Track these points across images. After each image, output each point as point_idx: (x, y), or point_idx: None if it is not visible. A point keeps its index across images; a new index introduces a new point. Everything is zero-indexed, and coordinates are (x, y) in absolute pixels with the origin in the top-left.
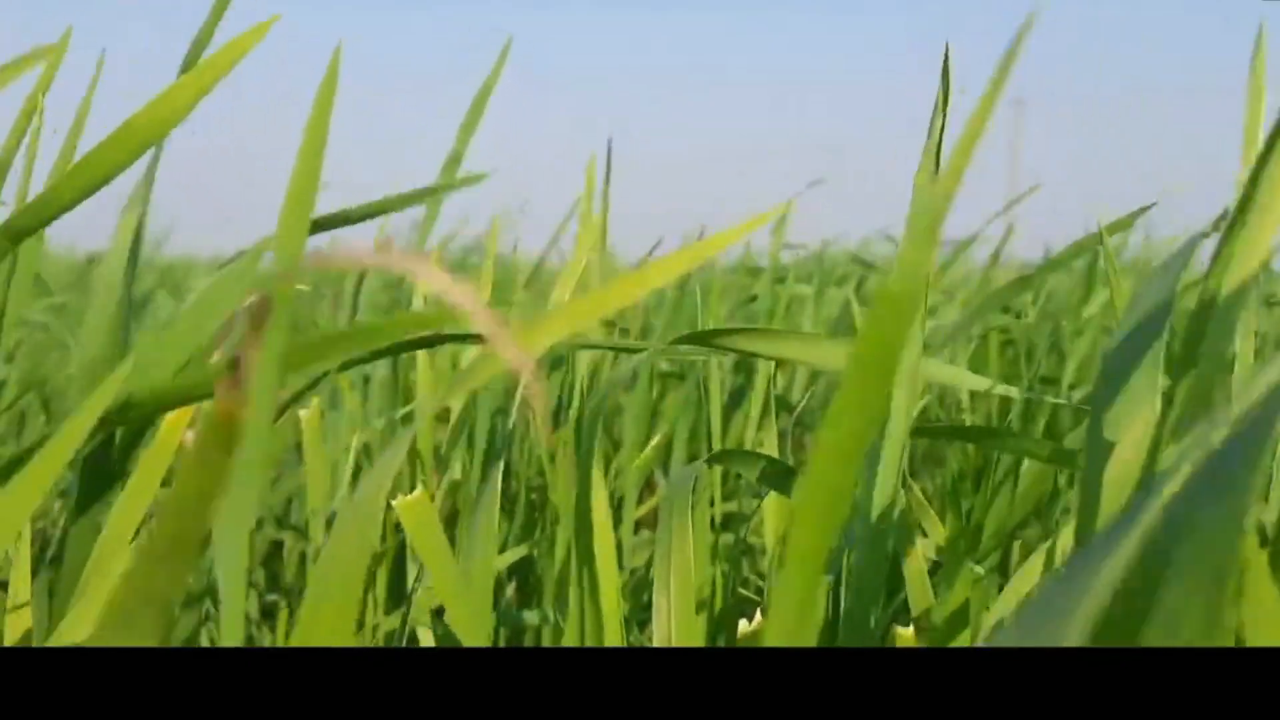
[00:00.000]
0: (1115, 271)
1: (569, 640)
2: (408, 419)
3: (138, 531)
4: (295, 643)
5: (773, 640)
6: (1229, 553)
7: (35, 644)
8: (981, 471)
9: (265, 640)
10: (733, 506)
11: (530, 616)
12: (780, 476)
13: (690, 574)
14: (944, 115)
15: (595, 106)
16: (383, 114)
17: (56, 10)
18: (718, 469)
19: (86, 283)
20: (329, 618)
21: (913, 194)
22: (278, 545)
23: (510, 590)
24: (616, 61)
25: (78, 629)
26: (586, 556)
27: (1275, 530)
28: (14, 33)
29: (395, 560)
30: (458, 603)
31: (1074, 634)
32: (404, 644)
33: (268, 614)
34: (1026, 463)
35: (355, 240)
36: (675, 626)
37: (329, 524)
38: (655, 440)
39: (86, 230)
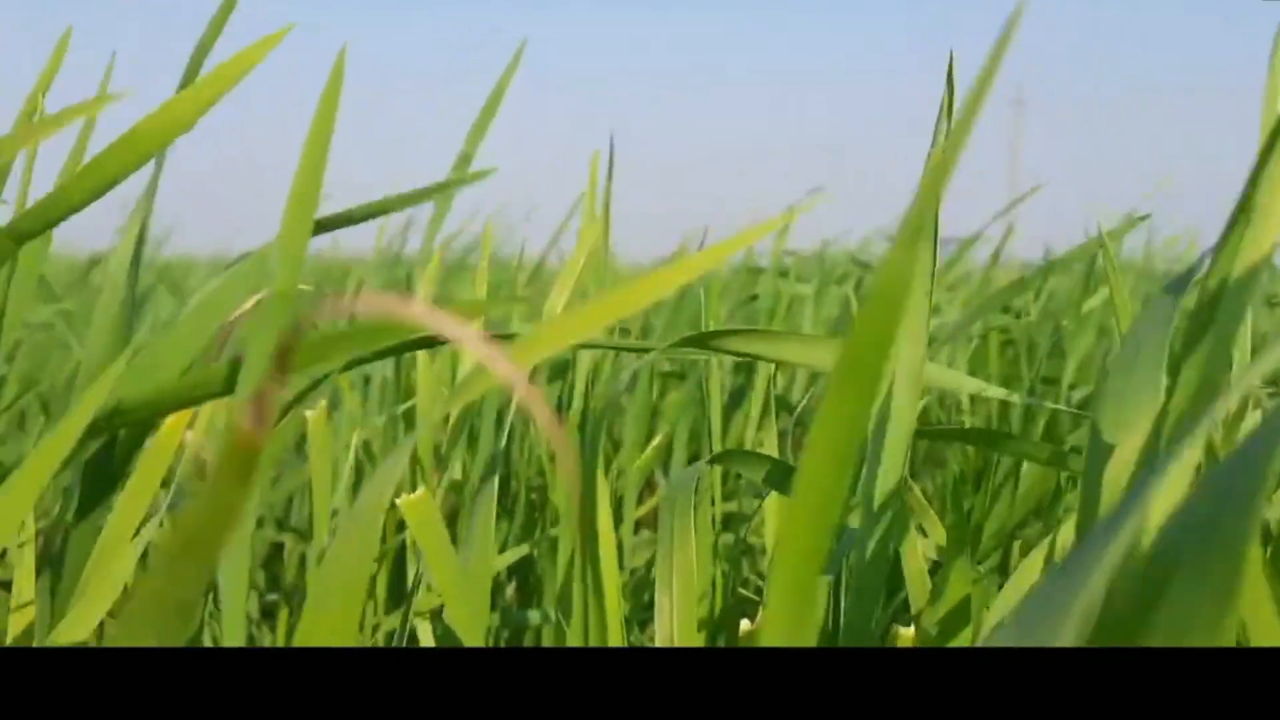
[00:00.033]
0: (1115, 271)
1: (570, 640)
2: (410, 417)
3: (137, 532)
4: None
5: (770, 641)
6: (1237, 558)
7: (36, 643)
8: (981, 472)
9: (265, 640)
10: (733, 506)
11: (530, 616)
12: (782, 477)
13: (693, 575)
14: (949, 122)
15: (595, 106)
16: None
17: (57, 10)
18: (718, 469)
19: (88, 284)
20: (330, 624)
21: (917, 195)
22: (278, 546)
23: (510, 590)
24: (616, 61)
25: (78, 629)
26: (589, 557)
27: (1278, 529)
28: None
29: (395, 560)
30: (457, 600)
31: (1070, 628)
32: (404, 644)
33: (268, 614)
34: (1027, 464)
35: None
36: (677, 627)
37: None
38: (656, 441)
39: (88, 231)
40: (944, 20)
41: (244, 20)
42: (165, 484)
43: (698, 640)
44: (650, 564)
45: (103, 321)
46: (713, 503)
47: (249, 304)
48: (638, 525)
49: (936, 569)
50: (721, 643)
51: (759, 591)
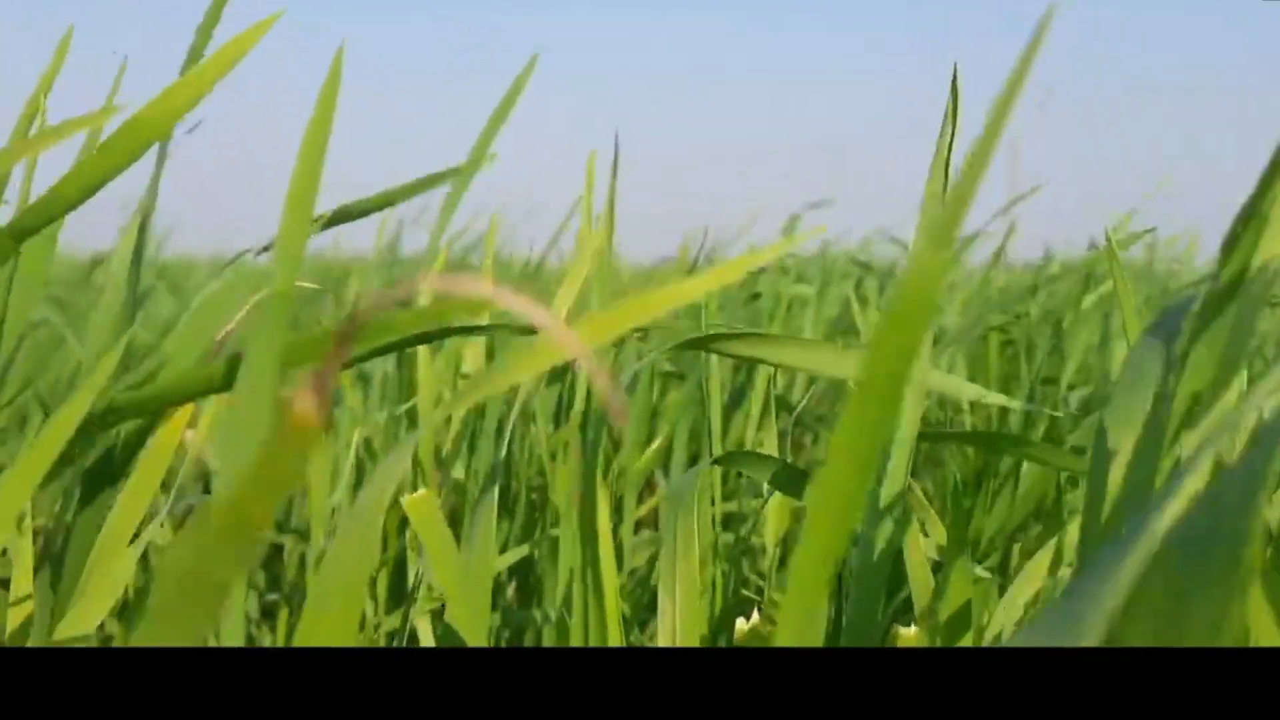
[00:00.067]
0: (1124, 283)
1: (570, 640)
2: (411, 415)
3: (137, 533)
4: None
5: (784, 640)
6: (1238, 560)
7: (36, 642)
8: (981, 473)
9: (265, 640)
10: (733, 506)
11: (530, 616)
12: (784, 477)
13: (695, 577)
14: (953, 128)
15: (595, 106)
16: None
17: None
18: (718, 469)
19: (91, 284)
20: (330, 626)
21: (924, 201)
22: (278, 546)
23: (510, 590)
24: (616, 61)
25: (78, 628)
26: (589, 557)
27: (1279, 529)
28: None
29: (396, 560)
30: (460, 599)
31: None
32: (404, 644)
33: (268, 614)
34: (1026, 465)
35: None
36: (680, 629)
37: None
38: (656, 443)
39: (90, 232)
40: (944, 20)
41: (243, 20)
42: (165, 485)
43: (700, 641)
44: (650, 564)
45: (103, 320)
46: (713, 503)
47: (249, 305)
48: (637, 525)
49: (937, 568)
50: (722, 642)
51: (759, 591)
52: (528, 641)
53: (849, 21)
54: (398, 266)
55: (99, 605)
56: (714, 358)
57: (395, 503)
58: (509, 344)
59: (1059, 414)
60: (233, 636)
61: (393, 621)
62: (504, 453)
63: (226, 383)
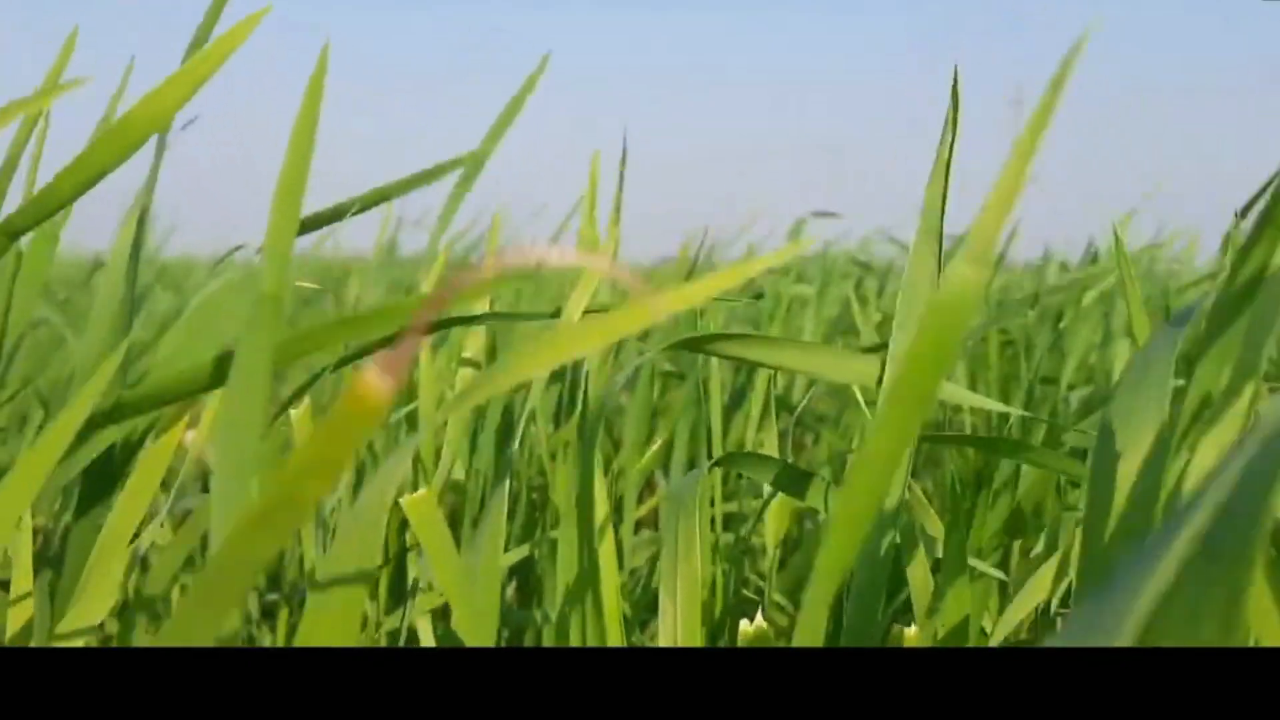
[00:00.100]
0: (1133, 281)
1: (570, 640)
2: (411, 418)
3: (137, 533)
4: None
5: (806, 628)
6: (1247, 560)
7: (36, 643)
8: (981, 473)
9: (265, 640)
10: (733, 507)
11: (530, 616)
12: (785, 478)
13: (697, 579)
14: (953, 133)
15: (595, 106)
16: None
17: (57, 10)
18: (718, 469)
19: (91, 286)
20: (330, 626)
21: (925, 205)
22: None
23: (510, 590)
24: (616, 61)
25: (78, 628)
26: (588, 557)
27: None
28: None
29: (396, 560)
30: (462, 602)
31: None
32: (404, 644)
33: (268, 614)
34: (1026, 465)
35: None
36: (680, 629)
37: (325, 524)
38: (656, 446)
39: (92, 232)
40: (944, 20)
41: (239, 18)
42: (165, 485)
43: (700, 641)
44: (650, 564)
45: (101, 317)
46: (713, 503)
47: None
48: (637, 525)
49: (937, 568)
50: (722, 642)
51: (759, 592)
52: (528, 641)
53: (849, 21)
54: (398, 267)
55: (99, 605)
56: (714, 358)
57: (395, 502)
58: (510, 342)
59: (1059, 421)
60: (232, 637)
61: (393, 621)
62: (513, 449)
63: (215, 381)
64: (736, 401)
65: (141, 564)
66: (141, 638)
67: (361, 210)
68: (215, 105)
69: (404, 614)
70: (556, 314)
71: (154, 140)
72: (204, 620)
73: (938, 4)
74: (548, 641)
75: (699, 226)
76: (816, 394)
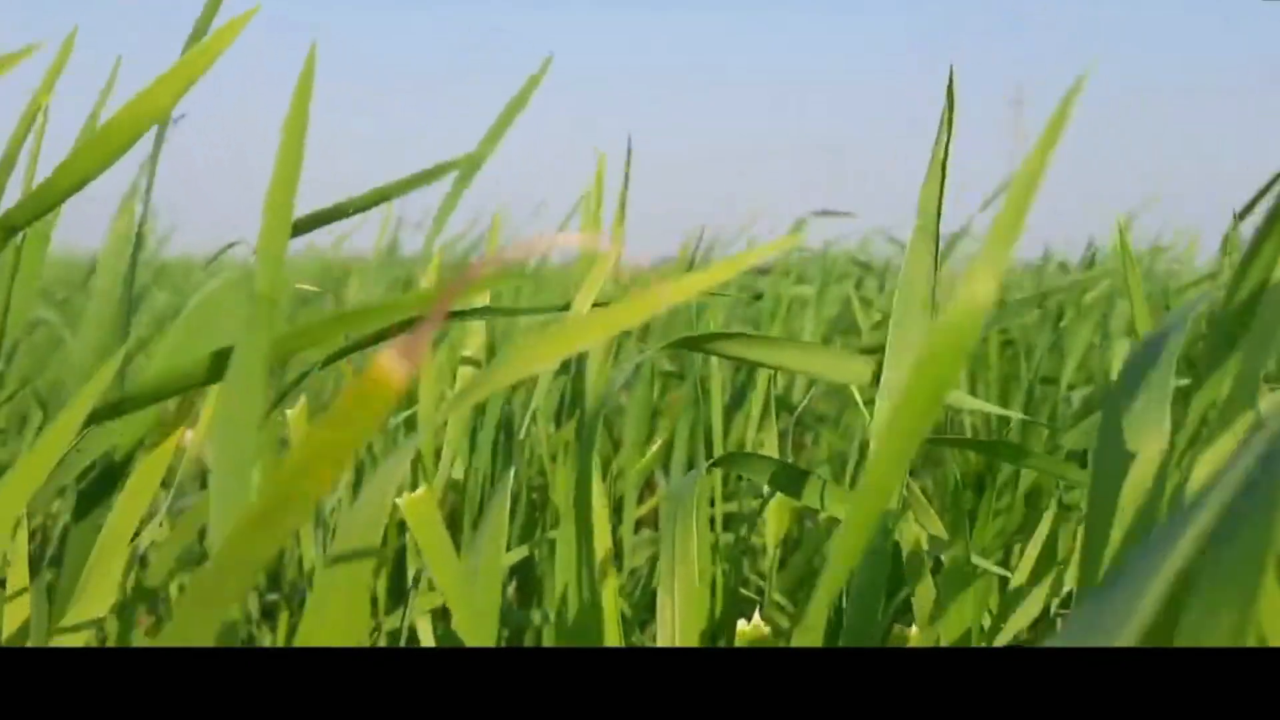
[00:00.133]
0: (1136, 277)
1: (569, 641)
2: (411, 423)
3: (137, 532)
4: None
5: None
6: (1256, 575)
7: (35, 643)
8: (981, 473)
9: (265, 640)
10: (733, 507)
11: (530, 616)
12: (784, 478)
13: (695, 579)
14: (949, 133)
15: (595, 107)
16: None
17: (57, 10)
18: (719, 469)
19: (91, 285)
20: (331, 625)
21: (921, 203)
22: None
23: (510, 590)
24: (617, 61)
25: (77, 628)
26: (587, 557)
27: None
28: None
29: (395, 560)
30: (462, 603)
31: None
32: (404, 644)
33: (268, 614)
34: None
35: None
36: (679, 629)
37: (324, 524)
38: (655, 447)
39: (93, 233)
40: (944, 20)
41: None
42: (165, 484)
43: (699, 641)
44: (650, 564)
45: (95, 315)
46: (713, 503)
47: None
48: (637, 524)
49: (937, 568)
50: (721, 643)
51: (759, 592)
52: (528, 642)
53: (849, 21)
54: (398, 267)
55: (99, 604)
56: (714, 358)
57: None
58: (510, 341)
59: (1059, 422)
60: (233, 637)
61: (393, 621)
62: (513, 446)
63: (212, 376)
64: (736, 401)
65: (140, 561)
66: (140, 638)
67: (357, 212)
68: (215, 106)
69: (404, 614)
70: (566, 307)
71: (154, 140)
72: (206, 613)
73: (938, 4)
74: (548, 641)
75: (699, 226)
76: (816, 394)
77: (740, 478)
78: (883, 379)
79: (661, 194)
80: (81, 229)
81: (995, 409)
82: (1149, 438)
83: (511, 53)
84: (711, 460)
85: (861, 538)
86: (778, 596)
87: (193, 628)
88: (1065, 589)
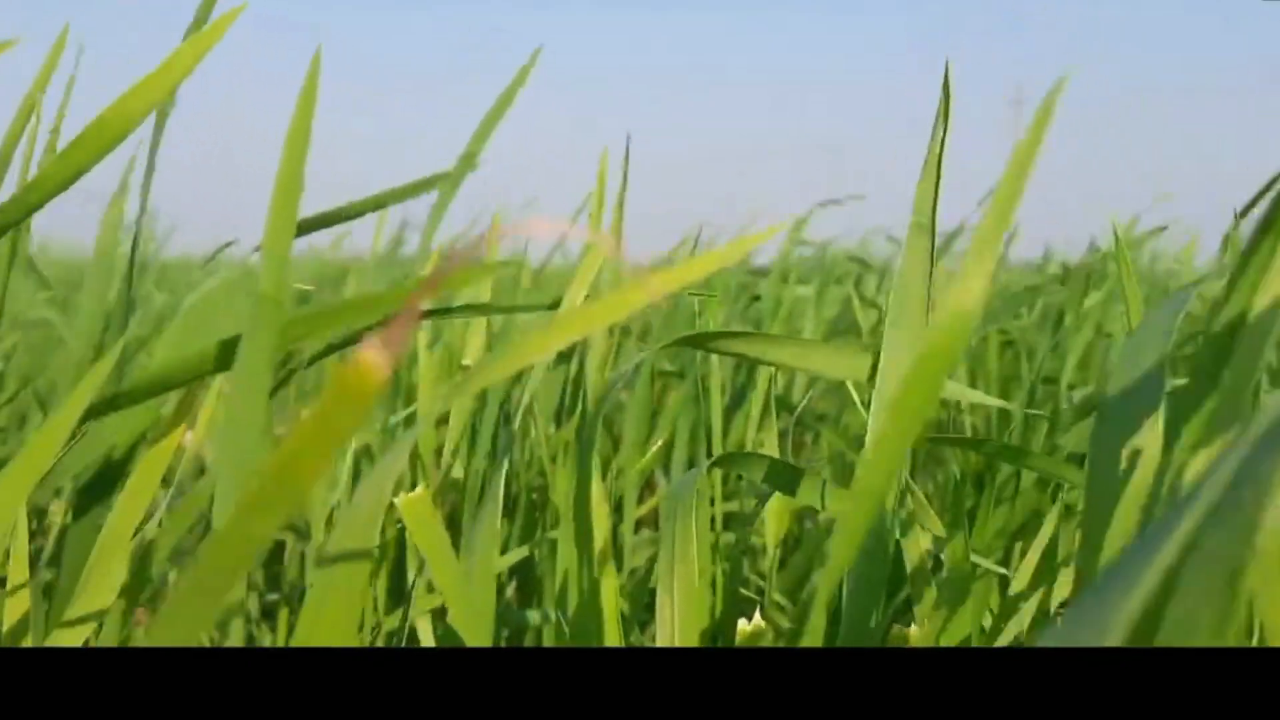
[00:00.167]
0: (1131, 277)
1: (569, 640)
2: (410, 423)
3: (137, 532)
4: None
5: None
6: (1239, 570)
7: (34, 643)
8: (981, 474)
9: (265, 640)
10: (733, 506)
11: (530, 616)
12: (784, 478)
13: (695, 579)
14: (945, 129)
15: (595, 106)
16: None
17: (57, 10)
18: (719, 469)
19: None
20: (330, 622)
21: (916, 200)
22: (278, 546)
23: (510, 590)
24: (617, 61)
25: (77, 628)
26: (586, 557)
27: None
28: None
29: (395, 560)
30: (460, 602)
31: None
32: (404, 644)
33: (268, 614)
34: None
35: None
36: (679, 629)
37: (328, 524)
38: (655, 448)
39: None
40: (944, 20)
41: (242, 18)
42: (165, 483)
43: (699, 641)
44: (650, 563)
45: (91, 310)
46: (712, 503)
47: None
48: (637, 524)
49: (937, 568)
50: (721, 643)
51: (759, 591)
52: (528, 642)
53: (849, 21)
54: (396, 267)
55: (98, 605)
56: (714, 358)
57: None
58: (509, 336)
59: (1058, 422)
60: (233, 636)
61: (392, 622)
62: (509, 443)
63: (220, 365)
64: (736, 401)
65: (140, 560)
66: (139, 638)
67: (351, 218)
68: (216, 106)
69: (404, 614)
70: (555, 305)
71: (152, 136)
72: (200, 603)
73: (938, 4)
74: (548, 641)
75: (699, 225)
76: (816, 393)
77: (740, 477)
78: (878, 377)
79: (661, 194)
80: (81, 229)
81: (995, 401)
82: (1142, 431)
83: (511, 53)
84: (711, 460)
85: (857, 535)
86: (778, 596)
87: (186, 618)
88: (1065, 589)
